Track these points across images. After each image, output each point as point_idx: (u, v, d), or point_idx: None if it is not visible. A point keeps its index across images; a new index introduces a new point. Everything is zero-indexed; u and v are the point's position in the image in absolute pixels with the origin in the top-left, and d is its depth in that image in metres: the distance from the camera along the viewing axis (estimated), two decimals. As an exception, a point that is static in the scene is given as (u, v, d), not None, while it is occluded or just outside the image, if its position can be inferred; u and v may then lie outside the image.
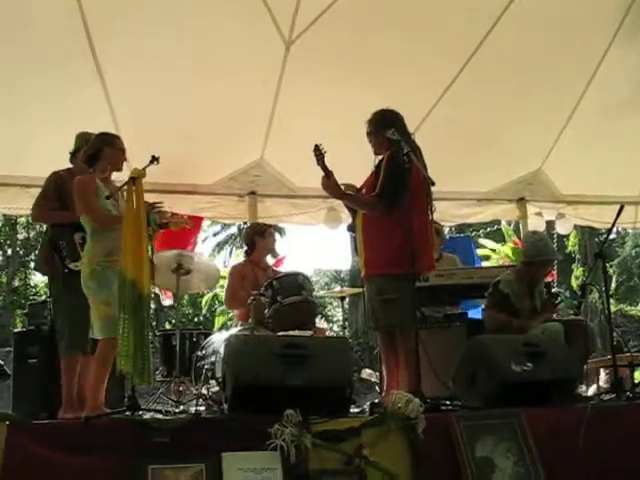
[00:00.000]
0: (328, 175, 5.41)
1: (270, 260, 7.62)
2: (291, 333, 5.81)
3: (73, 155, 5.74)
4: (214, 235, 31.62)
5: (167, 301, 9.22)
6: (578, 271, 22.51)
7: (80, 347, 5.15)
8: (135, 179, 4.63)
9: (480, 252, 14.88)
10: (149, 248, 4.73)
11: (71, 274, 5.26)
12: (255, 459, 3.76)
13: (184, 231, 7.43)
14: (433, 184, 5.17)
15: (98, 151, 5.13)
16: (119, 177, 5.26)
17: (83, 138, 5.59)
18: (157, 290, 8.05)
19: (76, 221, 5.15)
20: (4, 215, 20.63)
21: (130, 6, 6.55)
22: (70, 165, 5.75)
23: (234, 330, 6.54)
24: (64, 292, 5.44)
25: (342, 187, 5.49)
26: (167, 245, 7.24)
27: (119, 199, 5.09)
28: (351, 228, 5.76)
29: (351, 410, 4.62)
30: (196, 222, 9.21)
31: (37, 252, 6.13)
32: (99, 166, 5.11)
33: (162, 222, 5.64)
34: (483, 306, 8.27)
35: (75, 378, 5.15)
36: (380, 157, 5.48)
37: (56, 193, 5.62)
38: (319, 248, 62.19)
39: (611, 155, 8.90)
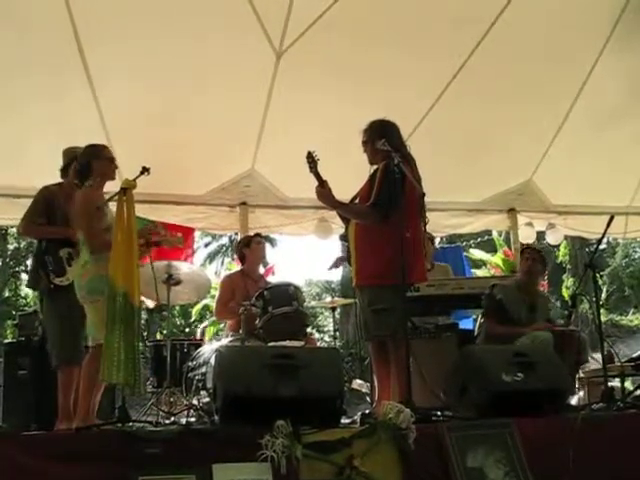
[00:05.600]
0: (322, 184, 5.40)
1: (260, 269, 7.64)
2: (282, 343, 5.81)
3: (62, 171, 5.73)
4: (205, 246, 31.62)
5: (149, 303, 9.19)
6: (569, 281, 22.57)
7: (76, 360, 5.14)
8: (126, 190, 4.63)
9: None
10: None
11: (57, 289, 5.25)
12: (246, 470, 3.75)
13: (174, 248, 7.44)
14: (423, 195, 5.18)
15: (87, 166, 5.12)
16: (111, 186, 5.25)
17: (70, 154, 5.59)
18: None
19: (62, 237, 5.15)
20: (-6, 226, 20.56)
21: (121, 16, 6.54)
22: (61, 180, 5.74)
23: (225, 340, 6.54)
24: (51, 307, 5.44)
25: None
26: (161, 257, 7.23)
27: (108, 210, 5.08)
28: (343, 237, 5.76)
29: (342, 421, 4.61)
30: (189, 233, 9.21)
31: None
32: (92, 180, 5.10)
33: (155, 240, 5.64)
34: (474, 316, 8.30)
35: (72, 390, 5.14)
36: (375, 167, 5.49)
37: (44, 208, 5.61)
38: (310, 258, 62.17)
39: (601, 166, 8.95)
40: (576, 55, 7.90)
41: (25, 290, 25.16)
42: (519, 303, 6.54)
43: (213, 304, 7.66)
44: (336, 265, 6.18)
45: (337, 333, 10.50)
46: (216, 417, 4.37)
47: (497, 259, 15.14)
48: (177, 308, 24.15)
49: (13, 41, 6.54)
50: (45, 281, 5.45)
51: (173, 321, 24.29)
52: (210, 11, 6.67)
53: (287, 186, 8.45)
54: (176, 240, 6.51)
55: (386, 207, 5.16)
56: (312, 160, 5.37)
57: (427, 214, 5.46)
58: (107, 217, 5.04)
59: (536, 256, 6.73)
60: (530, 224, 9.64)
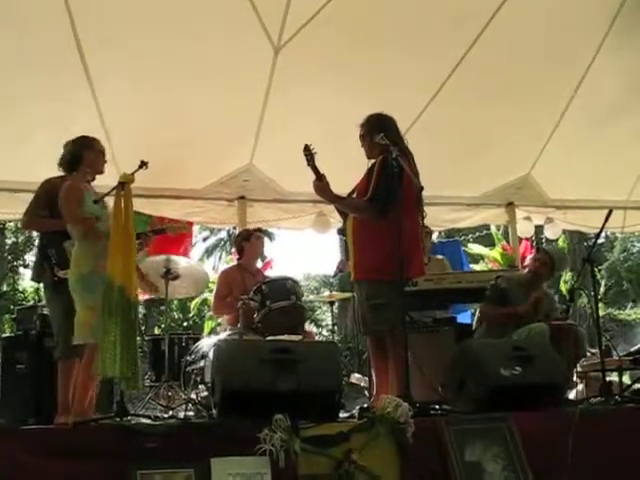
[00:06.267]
0: (319, 177, 5.37)
1: (258, 263, 7.64)
2: (280, 338, 5.81)
3: None
4: (203, 240, 31.61)
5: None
6: (567, 275, 22.56)
7: (77, 353, 5.14)
8: (124, 184, 4.62)
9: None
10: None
11: (61, 281, 5.24)
12: (244, 464, 3.75)
13: (177, 236, 7.44)
14: (422, 189, 5.17)
15: (78, 155, 5.12)
16: (109, 182, 5.23)
17: None
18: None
19: (66, 229, 5.15)
20: (-7, 220, 20.51)
21: (119, 16, 6.53)
22: (62, 173, 5.74)
23: (223, 335, 6.54)
24: (56, 300, 5.43)
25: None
26: (160, 250, 7.24)
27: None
28: (341, 231, 5.76)
29: (340, 415, 4.62)
30: (188, 223, 9.22)
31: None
32: (80, 170, 5.10)
33: (158, 228, 5.62)
34: (472, 310, 8.31)
35: (71, 383, 5.13)
36: (372, 161, 5.48)
37: (47, 201, 5.60)
38: (308, 252, 62.20)
39: (599, 160, 8.95)
40: (574, 52, 7.89)
41: (23, 284, 25.15)
42: (521, 297, 6.57)
43: (211, 299, 7.67)
44: (340, 270, 6.17)
45: (335, 327, 10.52)
46: (214, 411, 4.37)
47: (495, 253, 15.13)
48: (175, 302, 24.14)
49: (13, 41, 6.53)
50: (49, 274, 5.46)
51: (171, 315, 24.30)
52: (208, 6, 6.66)
53: (285, 180, 8.45)
54: (181, 226, 6.52)
55: (384, 201, 5.15)
56: (309, 153, 5.32)
57: (425, 208, 5.46)
58: (105, 211, 5.03)
59: (546, 260, 6.75)
60: (528, 218, 9.65)
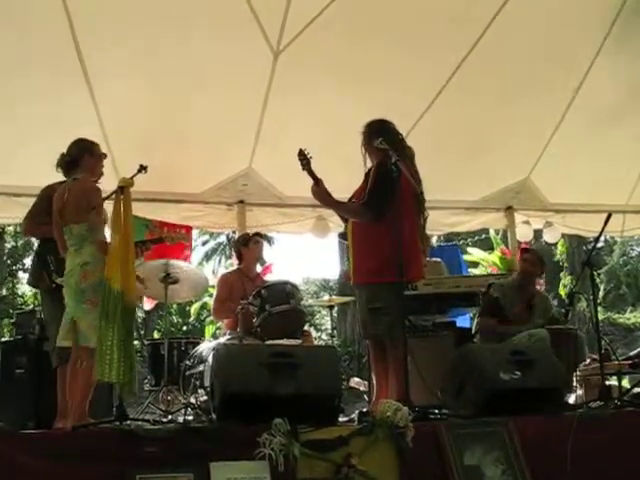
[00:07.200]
0: (317, 182, 5.38)
1: (258, 268, 7.64)
2: (279, 342, 5.81)
3: None
4: (203, 244, 31.60)
5: (147, 305, 9.21)
6: (566, 279, 22.61)
7: (67, 358, 5.12)
8: (123, 188, 4.61)
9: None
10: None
11: (58, 288, 5.23)
12: (243, 468, 3.74)
13: (176, 246, 7.43)
14: (421, 193, 5.18)
15: (78, 158, 5.08)
16: (108, 187, 5.22)
17: None
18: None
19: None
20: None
21: (118, 16, 6.53)
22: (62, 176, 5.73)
23: (222, 339, 6.54)
24: (53, 306, 5.42)
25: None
26: (160, 255, 7.23)
27: None
28: (343, 236, 5.76)
29: (340, 419, 4.61)
30: (186, 231, 9.23)
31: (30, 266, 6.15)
32: (77, 173, 5.06)
33: (156, 238, 5.58)
34: (471, 314, 8.31)
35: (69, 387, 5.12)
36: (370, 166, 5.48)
37: (47, 207, 5.58)
38: (308, 257, 62.24)
39: (598, 164, 8.95)
40: (574, 54, 7.90)
41: (23, 289, 25.13)
42: (516, 301, 6.57)
43: (211, 303, 7.66)
44: (343, 278, 6.19)
45: (335, 331, 10.53)
46: (214, 415, 4.36)
47: (494, 257, 15.13)
48: (174, 306, 24.14)
49: (13, 41, 6.52)
50: (46, 280, 5.45)
51: (170, 319, 24.30)
52: (208, 11, 6.66)
53: (285, 184, 8.44)
54: (179, 236, 6.50)
55: (378, 205, 5.15)
56: (304, 158, 5.31)
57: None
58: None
59: (533, 259, 6.78)
60: (527, 222, 9.64)
